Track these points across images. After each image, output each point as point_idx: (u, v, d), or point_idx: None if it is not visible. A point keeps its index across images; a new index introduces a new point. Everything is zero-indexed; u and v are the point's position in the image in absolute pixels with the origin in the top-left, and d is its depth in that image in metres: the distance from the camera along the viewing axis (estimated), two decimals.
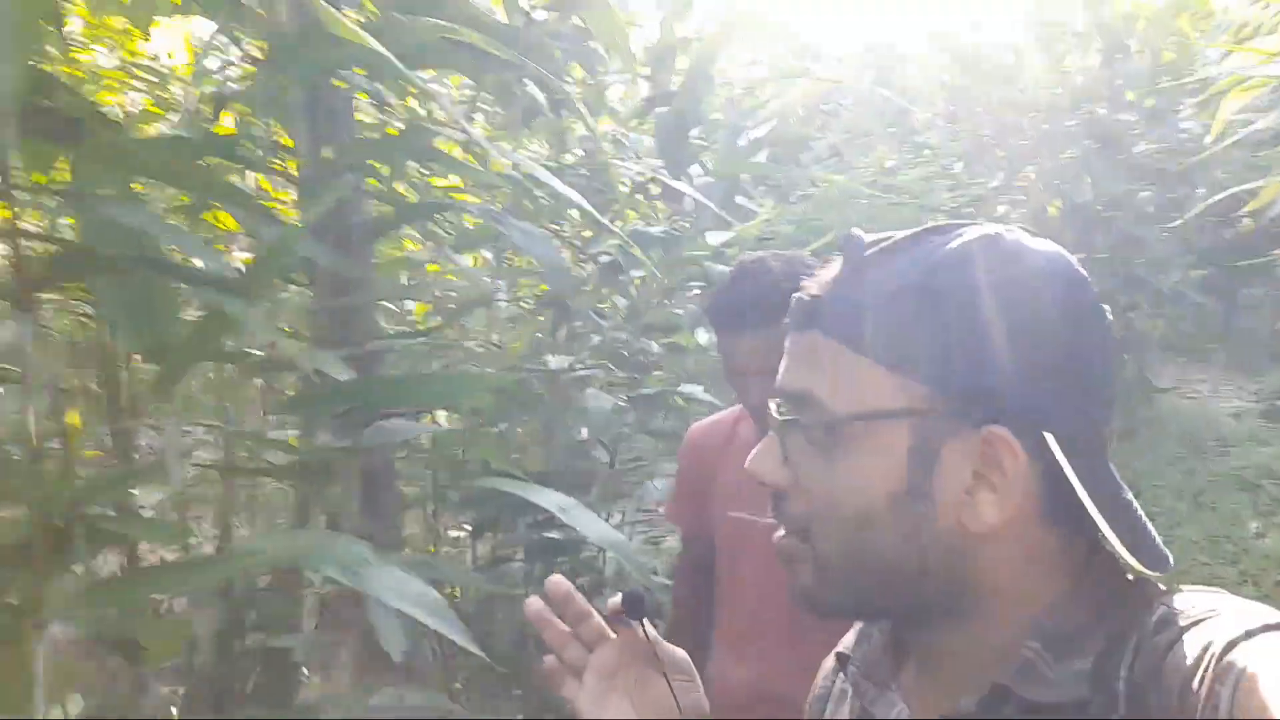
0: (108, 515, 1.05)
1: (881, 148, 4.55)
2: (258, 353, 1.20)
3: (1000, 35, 5.30)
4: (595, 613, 0.67)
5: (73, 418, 1.09)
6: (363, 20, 1.25)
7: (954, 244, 0.56)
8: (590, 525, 1.43)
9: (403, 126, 1.78)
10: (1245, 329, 6.71)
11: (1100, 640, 0.54)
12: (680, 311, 2.65)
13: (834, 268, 0.59)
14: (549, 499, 1.39)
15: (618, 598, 0.66)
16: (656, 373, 2.68)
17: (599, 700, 0.66)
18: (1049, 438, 0.53)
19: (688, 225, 2.48)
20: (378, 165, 1.55)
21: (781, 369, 0.59)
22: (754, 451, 0.60)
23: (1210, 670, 0.48)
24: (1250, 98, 2.10)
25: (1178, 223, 3.54)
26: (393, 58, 0.88)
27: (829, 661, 0.71)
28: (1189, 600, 0.53)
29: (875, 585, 0.59)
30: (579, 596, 0.66)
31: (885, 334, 0.56)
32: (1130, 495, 0.57)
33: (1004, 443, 0.53)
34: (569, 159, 2.54)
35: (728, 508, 1.44)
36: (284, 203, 1.82)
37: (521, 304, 2.70)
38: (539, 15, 1.55)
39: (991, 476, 0.54)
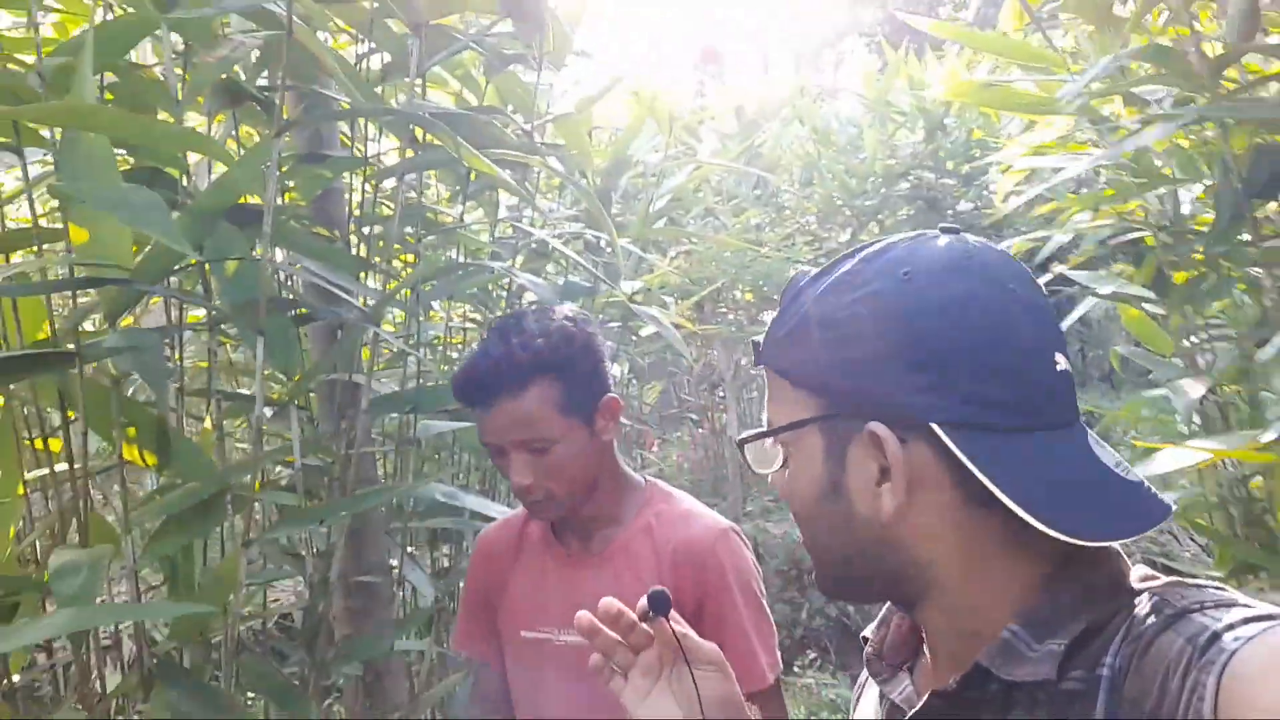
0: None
1: (749, 210, 5.26)
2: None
3: (843, 112, 6.17)
4: (641, 623, 0.72)
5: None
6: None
7: (840, 271, 0.62)
8: (479, 503, 1.58)
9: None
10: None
11: (1081, 623, 0.55)
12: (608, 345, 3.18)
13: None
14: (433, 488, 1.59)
15: (644, 600, 0.72)
16: None
17: (641, 694, 0.73)
18: (935, 427, 0.56)
19: (606, 277, 3.01)
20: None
21: None
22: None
23: (1194, 660, 0.48)
24: (1029, 170, 2.80)
25: None
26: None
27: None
28: (1180, 591, 0.55)
29: (839, 571, 0.65)
30: (627, 611, 0.72)
31: (789, 357, 0.63)
32: (1112, 465, 0.58)
33: (881, 437, 0.58)
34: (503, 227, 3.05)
35: (521, 626, 1.29)
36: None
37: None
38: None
39: (889, 469, 0.58)
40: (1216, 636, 0.49)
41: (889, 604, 0.70)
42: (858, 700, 0.77)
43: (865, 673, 0.75)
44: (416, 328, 1.84)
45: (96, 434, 1.33)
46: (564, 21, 2.11)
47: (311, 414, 1.97)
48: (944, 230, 0.62)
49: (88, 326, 1.53)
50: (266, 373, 1.51)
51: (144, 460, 1.40)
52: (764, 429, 0.66)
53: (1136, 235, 2.22)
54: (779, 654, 1.24)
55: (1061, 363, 0.59)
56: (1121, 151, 1.55)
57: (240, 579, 1.25)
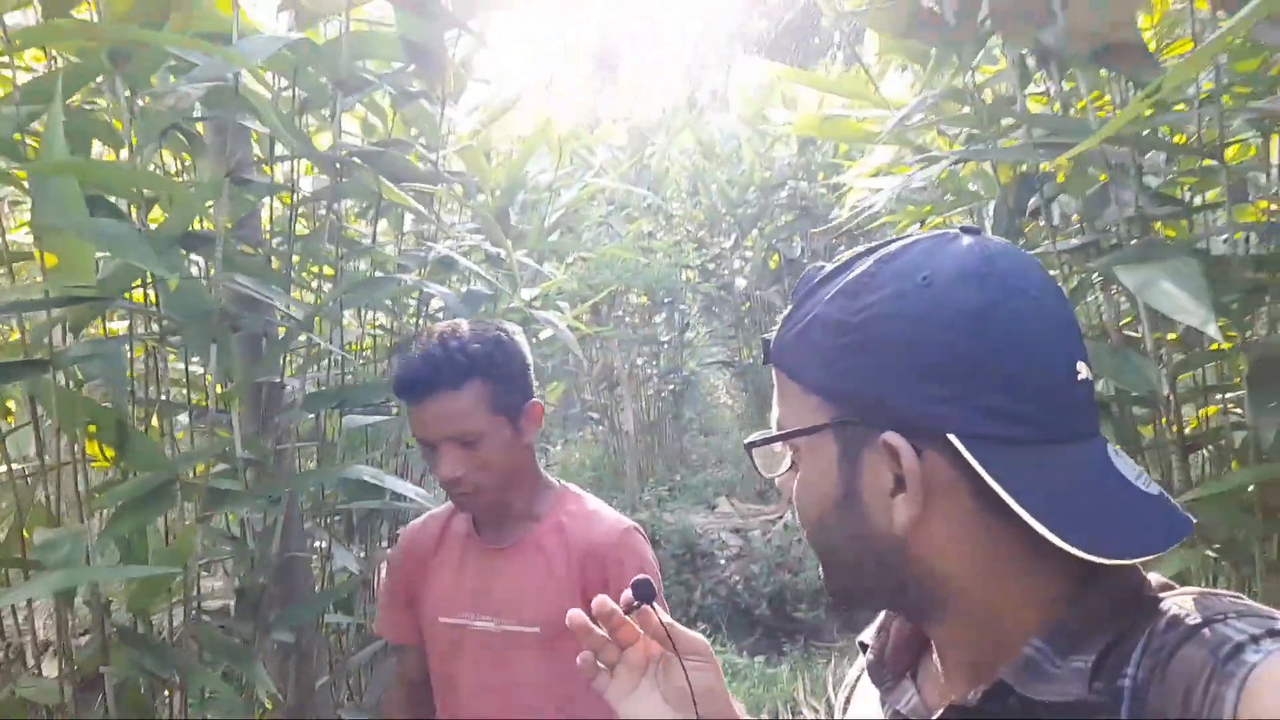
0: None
1: (640, 219, 5.62)
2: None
3: (726, 125, 6.59)
4: (630, 621, 0.72)
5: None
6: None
7: (854, 272, 0.60)
8: (399, 485, 1.77)
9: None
10: None
11: (1106, 638, 0.54)
12: None
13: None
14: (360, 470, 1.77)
15: (629, 591, 0.72)
16: None
17: (627, 689, 0.73)
18: (952, 439, 0.55)
19: (506, 286, 3.29)
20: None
21: None
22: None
23: (1216, 672, 0.48)
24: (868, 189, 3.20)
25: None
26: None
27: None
28: (1200, 602, 0.54)
29: (849, 580, 0.63)
30: (618, 610, 0.72)
31: (801, 359, 0.61)
32: (1132, 478, 0.57)
33: (896, 448, 0.56)
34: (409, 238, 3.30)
35: (439, 613, 1.39)
36: None
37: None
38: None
39: (904, 479, 0.57)
40: (1239, 649, 0.49)
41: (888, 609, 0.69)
42: (847, 702, 0.76)
43: (854, 674, 0.75)
44: (340, 335, 2.08)
45: (65, 432, 1.54)
46: (460, 61, 2.39)
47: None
48: (964, 230, 0.61)
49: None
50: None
51: (103, 454, 1.61)
52: (773, 432, 0.64)
53: None
54: None
55: (1083, 372, 0.58)
56: (922, 176, 1.93)
57: (196, 549, 1.49)
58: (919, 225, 2.79)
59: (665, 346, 6.41)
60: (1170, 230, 1.97)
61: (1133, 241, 1.59)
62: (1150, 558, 0.54)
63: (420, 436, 1.31)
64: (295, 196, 2.05)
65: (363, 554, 2.51)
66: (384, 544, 2.29)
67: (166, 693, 1.69)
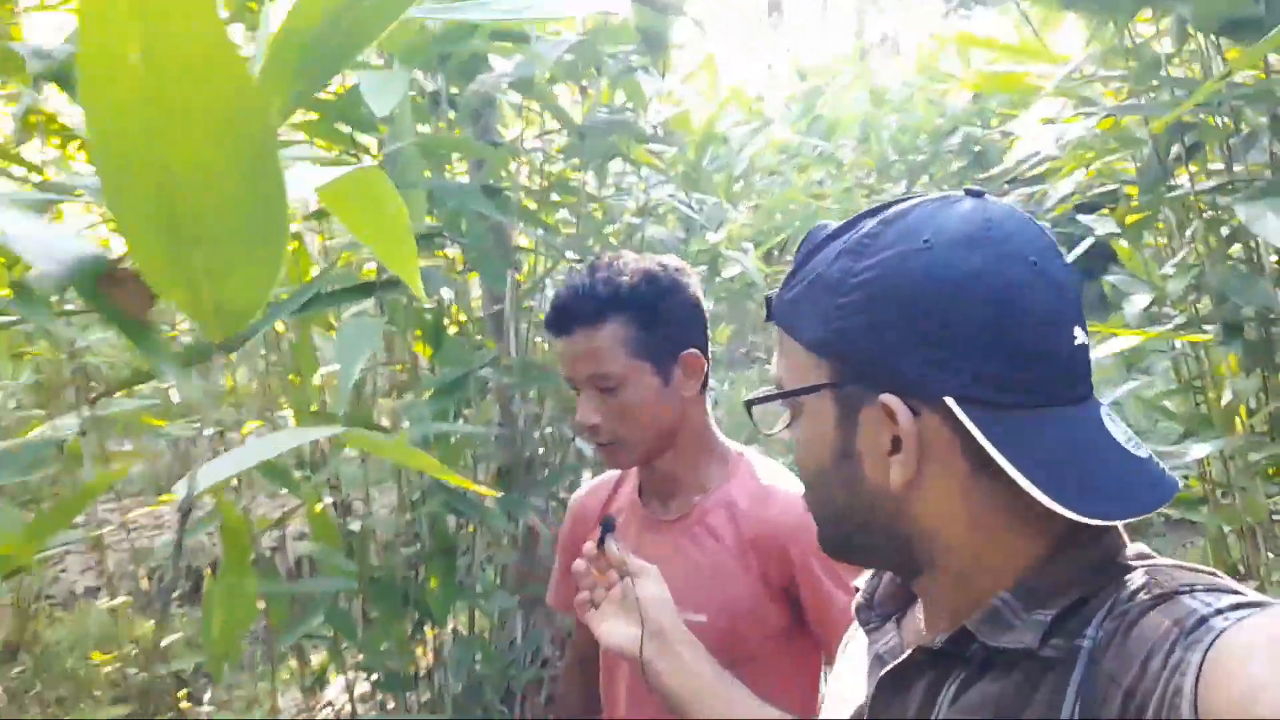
0: None
1: (811, 166, 5.93)
2: None
3: (897, 72, 6.74)
4: (599, 549, 0.96)
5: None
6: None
7: (859, 231, 0.62)
8: None
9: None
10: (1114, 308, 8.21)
11: (1072, 596, 0.57)
12: None
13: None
14: None
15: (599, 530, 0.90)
16: None
17: (605, 618, 0.95)
18: (949, 401, 0.57)
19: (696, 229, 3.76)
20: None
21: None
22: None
23: (1180, 640, 0.49)
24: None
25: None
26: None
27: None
28: (1169, 572, 0.56)
29: (843, 535, 0.67)
30: (596, 552, 0.97)
31: (802, 318, 0.63)
32: (1123, 441, 0.58)
33: (894, 409, 0.59)
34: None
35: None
36: None
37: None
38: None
39: (900, 440, 0.59)
40: (1204, 620, 0.50)
41: None
42: (844, 646, 0.81)
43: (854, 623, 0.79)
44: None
45: (402, 334, 2.15)
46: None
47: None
48: (969, 193, 0.62)
49: None
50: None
51: (425, 351, 2.21)
52: (773, 390, 0.67)
53: (1114, 187, 2.89)
54: None
55: (1079, 337, 0.59)
56: (1084, 126, 2.21)
57: (493, 419, 2.07)
58: (1084, 170, 3.03)
59: None
60: None
61: (1256, 184, 1.85)
62: (1135, 519, 0.56)
63: (565, 376, 1.21)
64: (543, 156, 2.58)
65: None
66: None
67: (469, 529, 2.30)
